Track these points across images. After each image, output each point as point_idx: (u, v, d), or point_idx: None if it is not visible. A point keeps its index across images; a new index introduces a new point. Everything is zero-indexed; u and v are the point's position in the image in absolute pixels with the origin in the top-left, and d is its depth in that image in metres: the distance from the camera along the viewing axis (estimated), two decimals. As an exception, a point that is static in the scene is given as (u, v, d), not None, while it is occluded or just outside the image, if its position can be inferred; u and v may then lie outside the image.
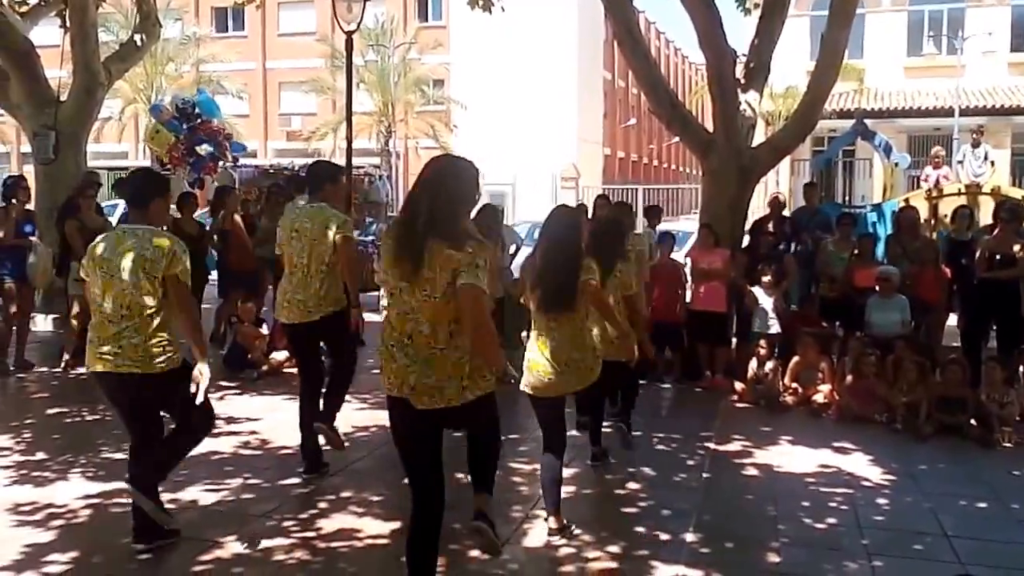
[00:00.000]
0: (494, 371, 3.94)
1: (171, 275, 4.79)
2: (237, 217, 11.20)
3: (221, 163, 14.99)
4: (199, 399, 4.88)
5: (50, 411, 8.14)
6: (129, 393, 4.86)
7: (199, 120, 14.16)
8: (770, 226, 10.49)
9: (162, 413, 5.08)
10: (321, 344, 6.55)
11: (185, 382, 4.86)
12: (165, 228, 5.38)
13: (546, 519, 5.32)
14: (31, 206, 10.67)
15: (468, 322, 3.74)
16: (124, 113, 37.05)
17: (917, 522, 5.67)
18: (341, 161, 10.86)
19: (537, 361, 5.25)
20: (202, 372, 4.86)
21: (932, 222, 11.68)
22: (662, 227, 13.61)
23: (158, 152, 14.56)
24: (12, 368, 9.69)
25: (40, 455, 6.67)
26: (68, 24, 13.10)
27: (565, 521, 5.29)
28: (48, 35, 15.09)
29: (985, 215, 10.75)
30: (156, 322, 4.79)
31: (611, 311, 5.84)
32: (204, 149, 14.44)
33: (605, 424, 6.89)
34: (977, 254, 9.06)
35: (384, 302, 6.79)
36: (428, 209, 3.78)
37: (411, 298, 3.78)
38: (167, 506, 5.58)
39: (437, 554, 4.00)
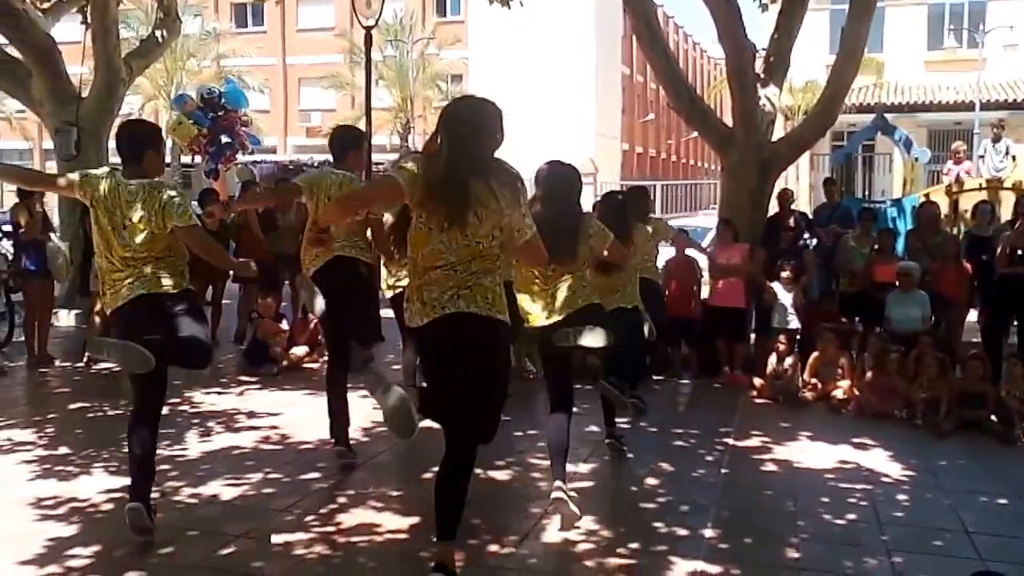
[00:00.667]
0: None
1: (176, 227, 4.80)
2: (252, 212, 11.26)
3: (240, 153, 14.95)
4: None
5: (72, 406, 8.19)
6: (146, 314, 4.84)
7: (223, 111, 14.14)
8: (791, 221, 10.46)
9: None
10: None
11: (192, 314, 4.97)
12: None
13: (553, 485, 5.30)
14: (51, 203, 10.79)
15: (537, 262, 4.45)
16: (144, 109, 37.23)
17: (937, 518, 5.65)
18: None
19: (532, 309, 5.40)
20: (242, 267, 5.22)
21: (952, 217, 11.63)
22: (678, 223, 13.61)
23: (180, 144, 14.57)
24: (8, 365, 9.80)
25: (63, 450, 6.73)
26: (89, 21, 13.18)
27: (573, 494, 5.32)
28: (70, 32, 15.20)
29: (1006, 210, 10.69)
30: (164, 263, 4.86)
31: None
32: (224, 139, 14.44)
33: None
34: (998, 250, 9.01)
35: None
36: (459, 149, 3.89)
37: (452, 240, 3.88)
38: (188, 501, 5.65)
39: (465, 493, 4.07)
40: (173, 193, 4.86)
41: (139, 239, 4.80)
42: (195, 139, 13.94)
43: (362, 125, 12.66)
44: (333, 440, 6.49)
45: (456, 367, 3.97)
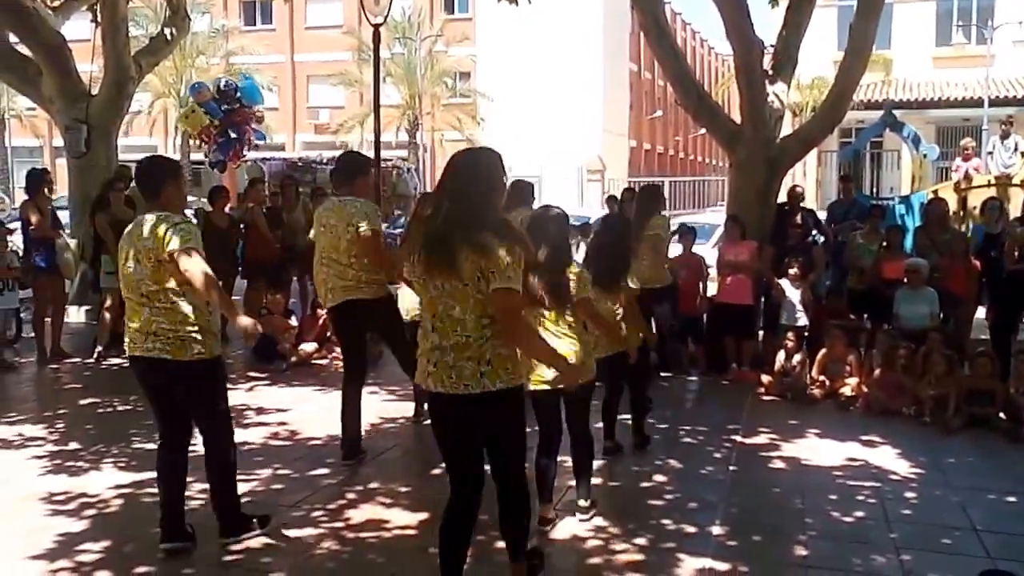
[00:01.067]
0: (552, 366, 4.13)
1: (167, 254, 4.59)
2: (258, 209, 11.30)
3: (246, 149, 14.97)
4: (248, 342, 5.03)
5: (83, 402, 8.24)
6: (158, 379, 4.77)
7: (238, 104, 14.15)
8: (798, 218, 10.45)
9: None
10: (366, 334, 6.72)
11: (215, 383, 4.86)
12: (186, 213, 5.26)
13: (544, 507, 5.32)
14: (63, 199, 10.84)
15: (501, 324, 3.77)
16: (154, 107, 37.39)
17: (945, 516, 5.65)
18: (369, 153, 10.90)
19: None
20: (242, 325, 4.85)
21: (961, 214, 11.60)
22: (685, 220, 13.58)
23: (191, 132, 14.55)
24: (18, 361, 9.83)
25: (73, 445, 6.77)
26: (99, 19, 13.21)
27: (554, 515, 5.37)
28: (79, 30, 15.24)
29: (1015, 207, 10.66)
30: (182, 306, 4.66)
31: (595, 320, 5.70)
32: (231, 134, 14.44)
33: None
34: (1006, 246, 8.99)
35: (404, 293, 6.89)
36: (452, 213, 3.79)
37: (445, 283, 3.77)
38: (198, 497, 5.65)
39: (469, 545, 4.02)
40: (179, 220, 4.72)
41: (148, 270, 4.65)
42: (205, 129, 13.95)
43: (370, 122, 12.69)
44: (342, 450, 6.51)
45: (478, 440, 3.95)
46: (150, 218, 4.72)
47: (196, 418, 4.93)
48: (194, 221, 4.86)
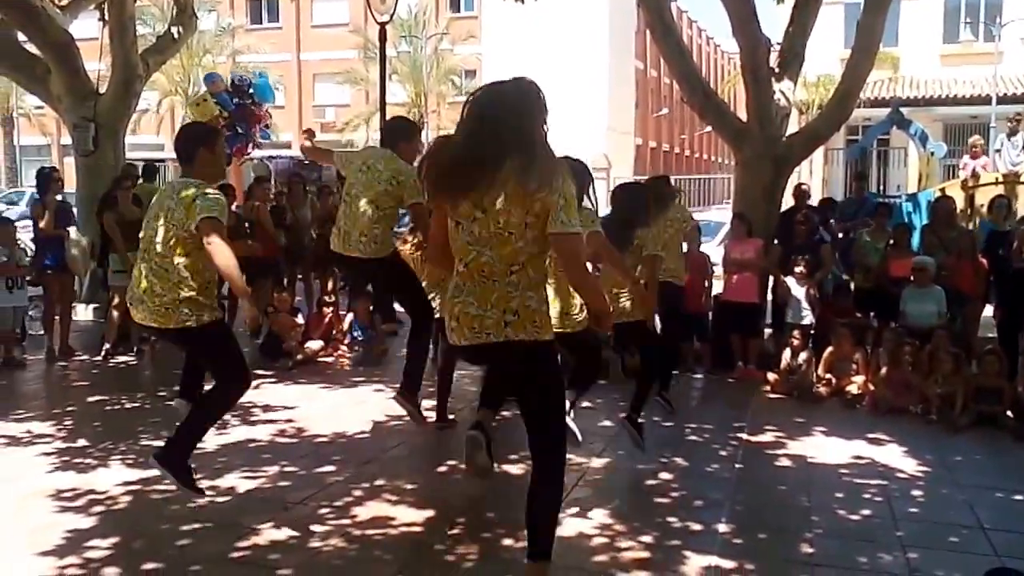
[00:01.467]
0: (594, 314, 3.93)
1: (194, 225, 4.75)
2: (264, 207, 11.31)
3: (250, 147, 14.96)
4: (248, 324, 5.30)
5: (91, 399, 8.26)
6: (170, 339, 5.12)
7: (250, 100, 14.14)
8: (801, 216, 10.43)
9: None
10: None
11: (219, 339, 5.06)
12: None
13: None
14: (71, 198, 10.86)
15: (568, 272, 3.77)
16: (161, 106, 37.46)
17: (952, 514, 5.64)
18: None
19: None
20: (244, 307, 5.09)
21: (968, 212, 11.58)
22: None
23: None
24: (26, 359, 9.84)
25: (81, 442, 6.78)
26: (107, 18, 13.24)
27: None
28: (87, 28, 15.29)
29: (1023, 205, 10.63)
30: (184, 277, 4.84)
31: None
32: (239, 129, 14.43)
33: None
34: (1014, 244, 8.97)
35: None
36: (494, 134, 3.58)
37: (483, 229, 3.58)
38: (206, 493, 5.67)
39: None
40: (210, 192, 4.83)
41: (163, 230, 4.82)
42: (214, 120, 13.92)
43: (376, 120, 12.70)
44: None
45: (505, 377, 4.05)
46: (180, 183, 4.90)
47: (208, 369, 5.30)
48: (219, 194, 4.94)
